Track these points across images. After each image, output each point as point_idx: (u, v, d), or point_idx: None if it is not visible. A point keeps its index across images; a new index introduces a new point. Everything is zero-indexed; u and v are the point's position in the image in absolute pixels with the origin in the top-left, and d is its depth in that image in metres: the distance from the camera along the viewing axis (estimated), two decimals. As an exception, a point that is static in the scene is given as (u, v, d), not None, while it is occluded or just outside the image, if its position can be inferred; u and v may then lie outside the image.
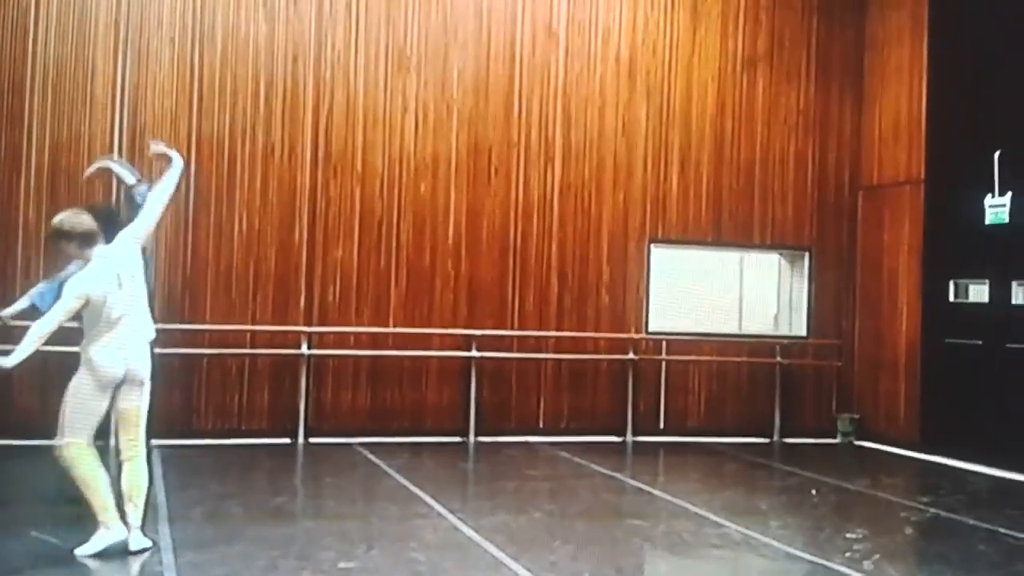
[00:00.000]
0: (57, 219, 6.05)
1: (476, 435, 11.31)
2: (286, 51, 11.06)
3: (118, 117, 10.53)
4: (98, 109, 10.47)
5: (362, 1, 11.29)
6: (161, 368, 10.04)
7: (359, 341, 11.20)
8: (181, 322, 10.44)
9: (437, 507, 7.75)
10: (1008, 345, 10.79)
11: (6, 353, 5.60)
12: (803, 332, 12.80)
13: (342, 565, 6.01)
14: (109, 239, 6.03)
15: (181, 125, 10.72)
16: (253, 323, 10.80)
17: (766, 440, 12.29)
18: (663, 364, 12.21)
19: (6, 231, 10.16)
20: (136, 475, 6.07)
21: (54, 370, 9.88)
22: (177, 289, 10.54)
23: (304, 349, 10.84)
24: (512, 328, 11.66)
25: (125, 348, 5.94)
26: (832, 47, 12.88)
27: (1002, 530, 7.67)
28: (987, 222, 11.03)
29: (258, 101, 10.95)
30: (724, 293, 13.15)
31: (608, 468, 9.97)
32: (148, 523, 6.20)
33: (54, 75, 10.34)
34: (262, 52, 10.98)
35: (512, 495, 8.77)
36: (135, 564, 5.87)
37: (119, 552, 5.93)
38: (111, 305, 5.86)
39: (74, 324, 5.95)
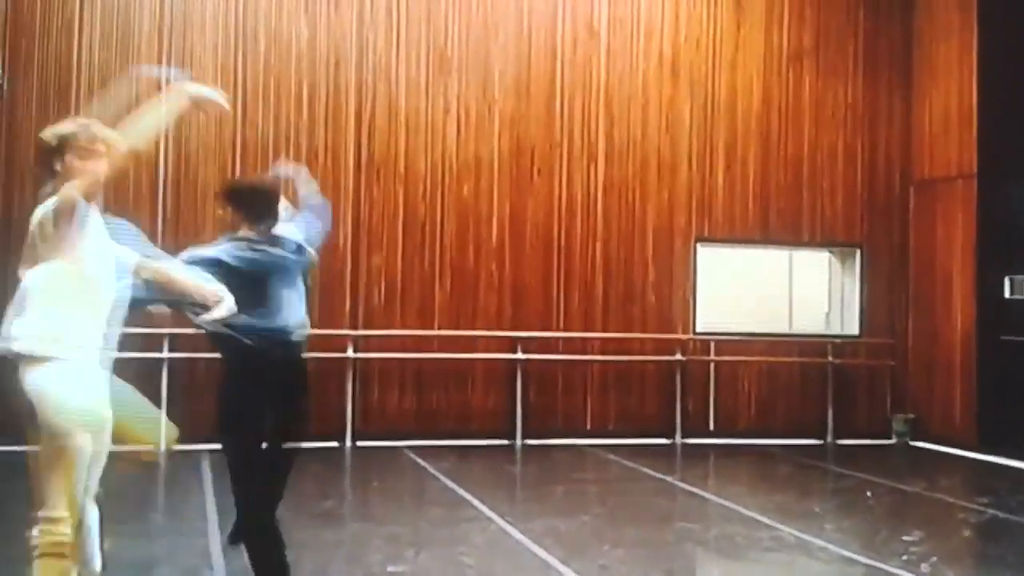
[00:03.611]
0: None
1: (523, 438, 11.24)
2: (328, 55, 11.08)
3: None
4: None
5: (403, 4, 11.29)
6: (206, 374, 10.20)
7: (404, 344, 11.18)
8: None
9: (485, 510, 7.70)
10: (1067, 341, 10.56)
11: None
12: (855, 331, 12.59)
13: (391, 569, 5.98)
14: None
15: (225, 131, 10.76)
16: (299, 328, 10.78)
17: (819, 441, 12.10)
18: (712, 365, 12.06)
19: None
20: None
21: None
22: (223, 295, 10.56)
23: (350, 353, 10.84)
24: (557, 329, 11.58)
25: None
26: (879, 40, 12.67)
27: (1065, 531, 7.49)
28: (1043, 216, 10.81)
29: (301, 106, 10.98)
30: (773, 292, 12.98)
31: (657, 471, 9.86)
32: (199, 526, 6.17)
33: (99, 82, 10.41)
34: (304, 57, 11.02)
35: (560, 498, 8.69)
36: (184, 570, 5.86)
37: (167, 558, 5.93)
38: None
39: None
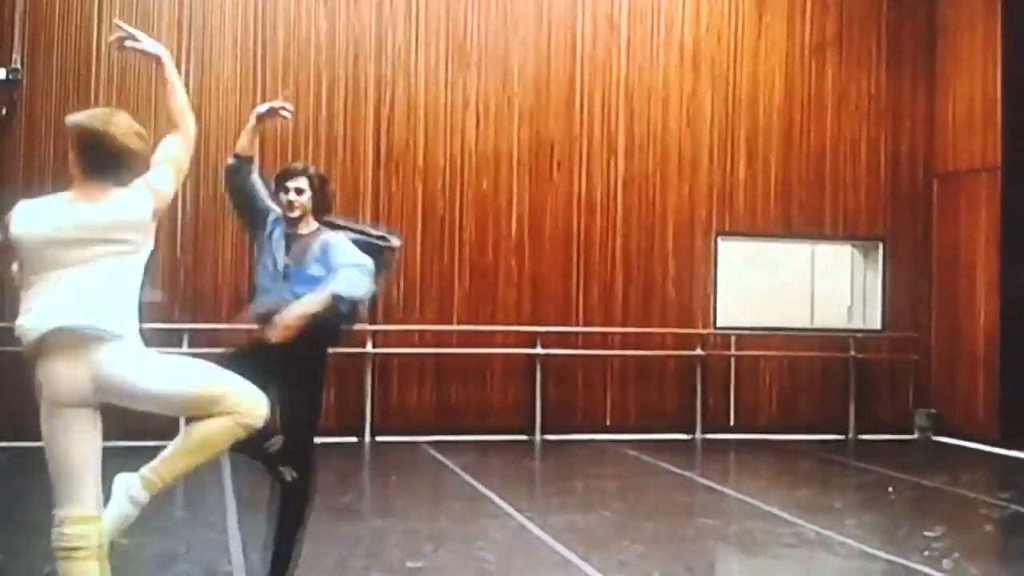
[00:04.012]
0: None
1: (542, 433, 11.22)
2: (347, 49, 11.07)
3: (183, 119, 10.59)
4: (163, 112, 10.51)
5: (422, -3, 11.27)
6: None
7: (423, 339, 11.17)
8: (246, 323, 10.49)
9: (504, 506, 7.67)
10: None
11: None
12: (878, 325, 12.49)
13: (410, 564, 5.97)
14: None
15: (244, 125, 10.73)
16: (318, 322, 10.79)
17: (840, 436, 12.01)
18: (732, 359, 11.99)
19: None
20: None
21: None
22: (243, 290, 10.58)
23: (369, 348, 10.84)
24: (577, 324, 11.54)
25: None
26: (903, 31, 12.55)
27: (1090, 528, 7.41)
28: (1068, 209, 10.70)
29: (320, 100, 10.98)
30: (795, 286, 12.89)
31: (677, 466, 9.81)
32: (218, 520, 6.18)
33: (118, 79, 10.46)
34: (323, 50, 11.01)
35: (580, 494, 8.67)
36: (203, 564, 5.86)
37: (186, 553, 5.93)
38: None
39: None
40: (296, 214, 5.08)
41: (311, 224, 5.14)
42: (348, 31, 11.08)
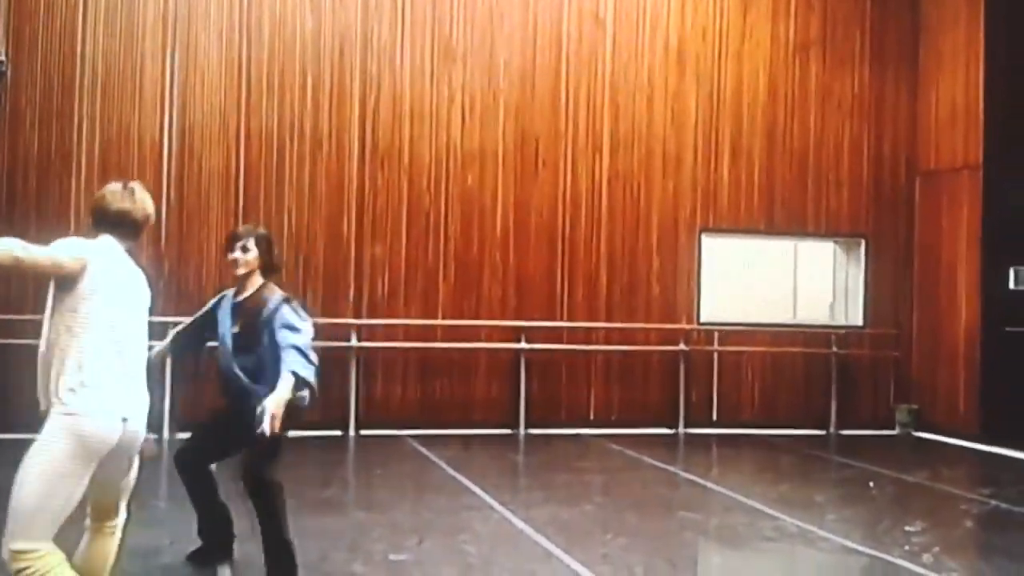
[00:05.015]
0: None
1: (526, 427, 11.25)
2: (333, 44, 11.07)
3: (167, 113, 10.60)
4: (147, 106, 10.55)
5: (408, -8, 11.27)
6: (208, 364, 10.18)
7: (408, 334, 11.19)
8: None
9: (488, 499, 7.70)
10: (1072, 333, 10.54)
11: None
12: (859, 322, 12.58)
13: (393, 557, 5.99)
14: None
15: (230, 121, 10.76)
16: (303, 317, 10.79)
17: (822, 432, 12.10)
18: (715, 355, 12.05)
19: (58, 229, 10.24)
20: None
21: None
22: (227, 285, 10.58)
23: (354, 342, 10.85)
24: (561, 320, 11.58)
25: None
26: (887, 30, 12.63)
27: (1068, 522, 7.48)
28: (1048, 207, 10.79)
29: (305, 95, 10.97)
30: (778, 283, 12.96)
31: (660, 460, 9.86)
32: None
33: (103, 72, 10.43)
34: (309, 46, 11.01)
35: (563, 487, 8.69)
36: (186, 558, 5.87)
37: (170, 545, 5.94)
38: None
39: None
40: (241, 271, 5.36)
41: (256, 282, 5.40)
42: (334, 26, 11.08)
